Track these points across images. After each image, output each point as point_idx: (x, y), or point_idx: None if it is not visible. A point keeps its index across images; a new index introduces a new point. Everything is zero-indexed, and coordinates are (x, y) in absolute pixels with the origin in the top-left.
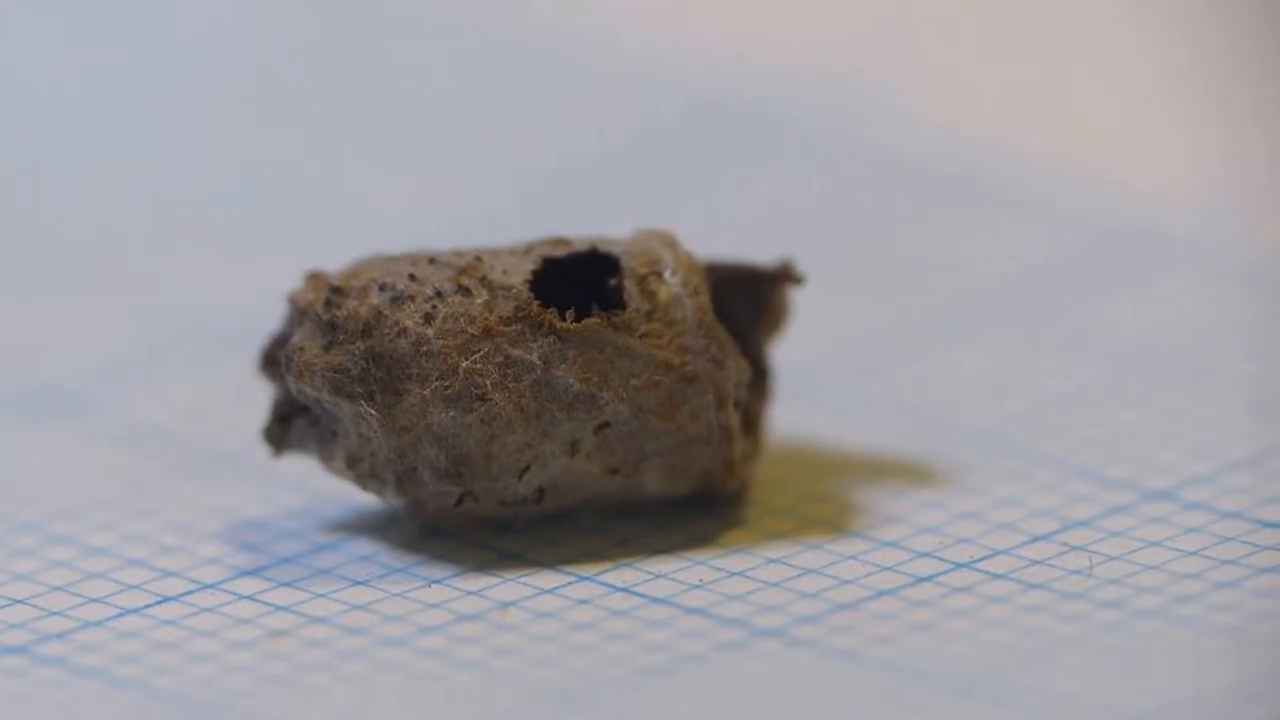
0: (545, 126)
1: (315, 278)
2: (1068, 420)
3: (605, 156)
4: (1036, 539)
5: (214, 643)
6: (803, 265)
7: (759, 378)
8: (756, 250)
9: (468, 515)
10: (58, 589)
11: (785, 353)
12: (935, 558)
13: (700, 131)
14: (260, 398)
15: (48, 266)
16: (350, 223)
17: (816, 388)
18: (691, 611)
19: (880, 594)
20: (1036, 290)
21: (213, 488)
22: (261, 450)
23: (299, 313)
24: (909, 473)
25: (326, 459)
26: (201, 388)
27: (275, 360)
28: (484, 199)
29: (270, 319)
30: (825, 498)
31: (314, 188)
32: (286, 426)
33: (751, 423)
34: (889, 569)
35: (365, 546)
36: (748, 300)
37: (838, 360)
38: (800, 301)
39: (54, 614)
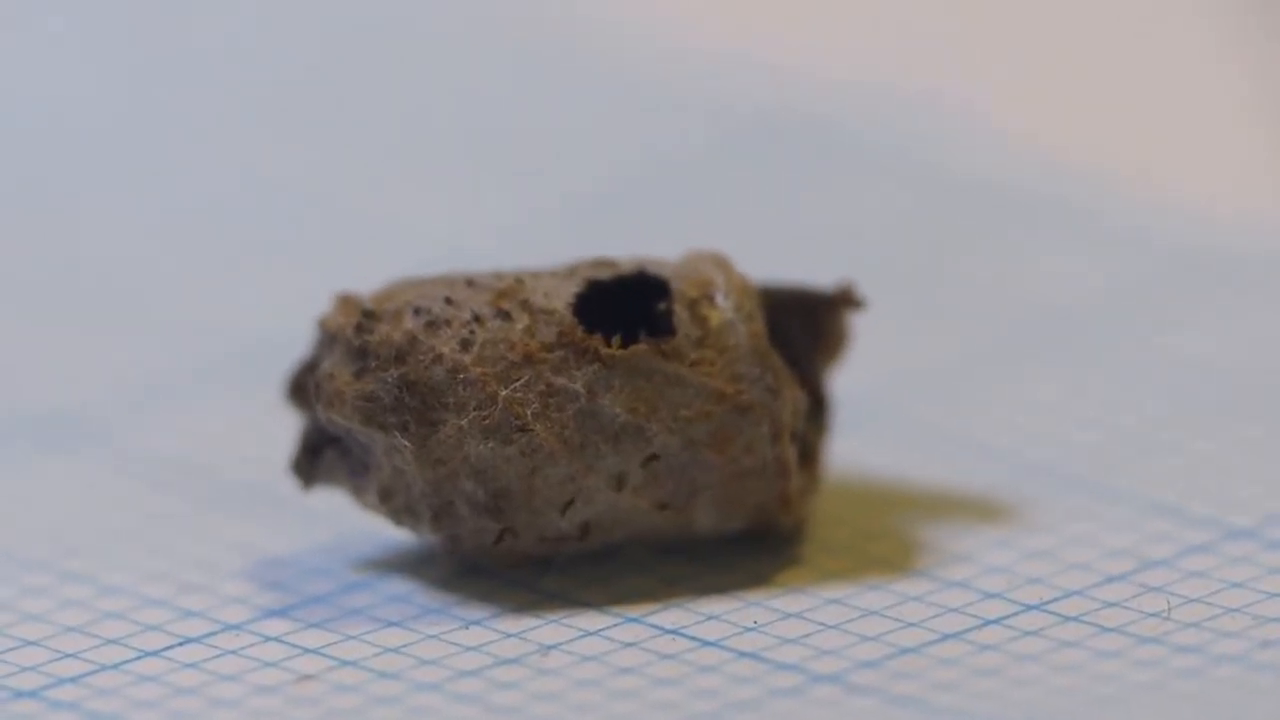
0: (591, 139)
1: (346, 301)
2: (1142, 453)
3: (655, 171)
4: (1111, 580)
5: (237, 687)
6: (863, 288)
7: (817, 408)
8: (814, 272)
9: (508, 552)
10: (72, 630)
11: (845, 380)
12: (1004, 599)
13: (756, 146)
14: (287, 426)
15: (64, 290)
16: (384, 241)
17: (877, 417)
18: (744, 655)
19: (945, 637)
20: (1108, 315)
21: (237, 522)
22: (289, 482)
23: (329, 338)
24: (976, 508)
25: (358, 493)
26: (225, 416)
27: (304, 388)
28: (526, 215)
29: (298, 343)
30: (887, 534)
31: (345, 205)
32: (316, 458)
33: (809, 455)
34: (955, 610)
35: (399, 585)
36: (805, 325)
37: (899, 389)
38: (860, 326)
39: (68, 656)
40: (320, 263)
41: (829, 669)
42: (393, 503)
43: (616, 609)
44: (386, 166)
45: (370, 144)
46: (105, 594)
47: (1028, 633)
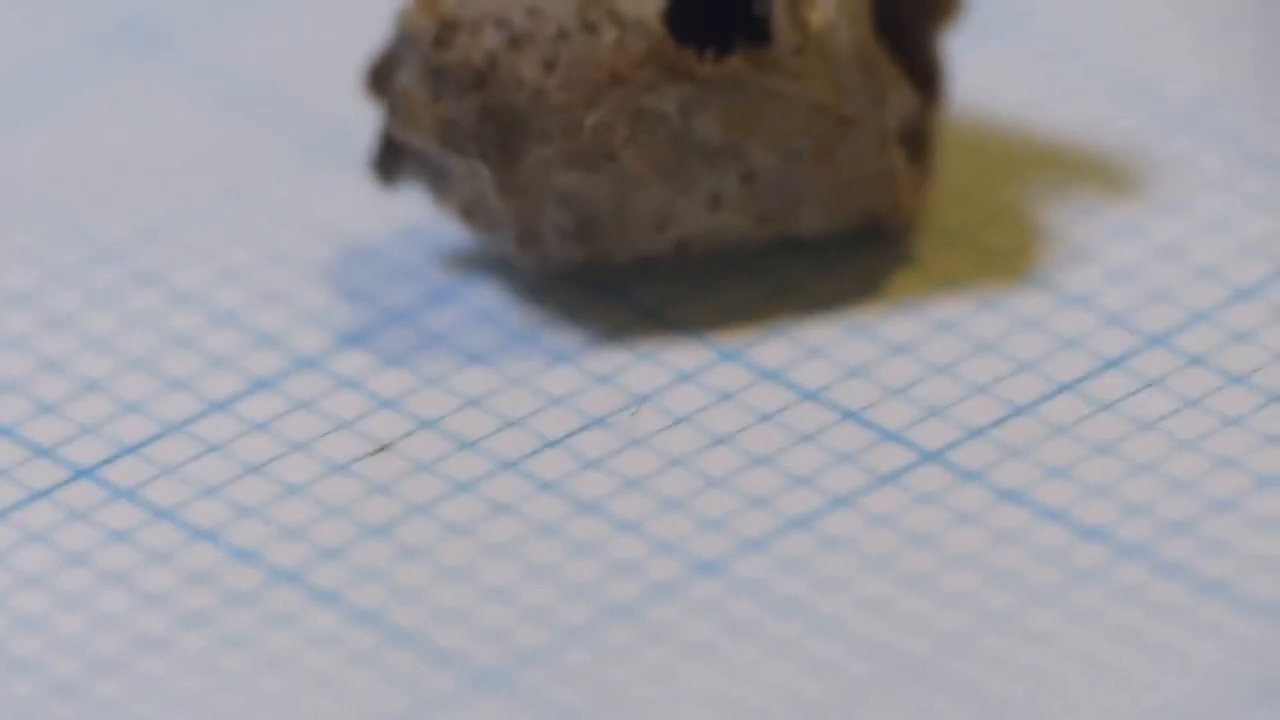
0: None
1: None
2: None
3: None
4: (1249, 294)
5: (308, 464)
6: None
7: (930, 77)
8: None
9: (599, 266)
10: (138, 365)
11: None
12: (1126, 328)
13: None
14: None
15: None
16: None
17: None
18: (847, 417)
19: (1063, 390)
20: None
21: (323, 188)
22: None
23: (407, 38)
24: (1105, 175)
25: (439, 199)
26: (306, 29)
27: (383, 79)
28: None
29: None
30: (1006, 218)
31: None
32: (396, 158)
33: (921, 145)
34: (1073, 343)
35: (486, 294)
36: None
37: None
38: None
39: (131, 410)
40: None
41: (935, 441)
42: (475, 219)
43: (714, 336)
44: None
45: None
46: (177, 305)
47: (1150, 384)
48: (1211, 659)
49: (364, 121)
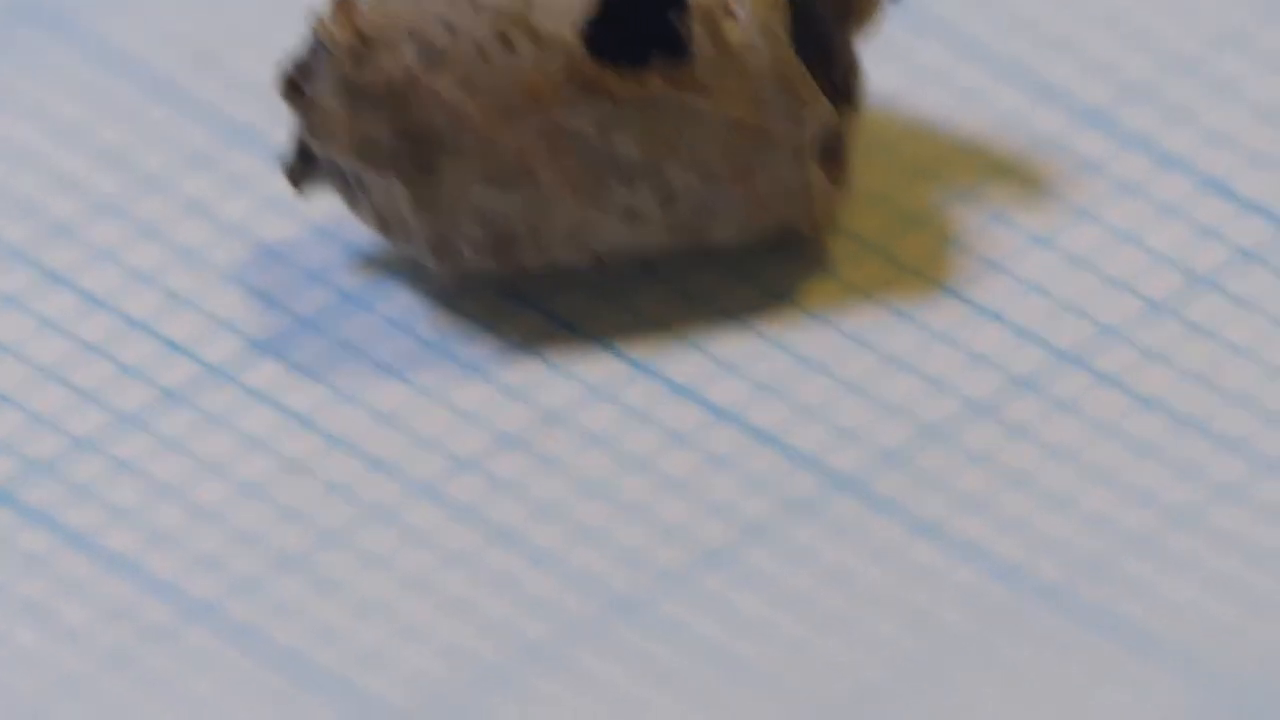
0: None
1: (344, 5)
2: (1209, 94)
3: None
4: (1161, 308)
5: (220, 488)
6: None
7: (846, 78)
8: None
9: (515, 275)
10: (50, 374)
11: None
12: (1040, 342)
13: None
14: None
15: None
16: None
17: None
18: (762, 441)
19: (976, 412)
20: None
21: (233, 183)
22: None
23: (323, 49)
24: (1018, 179)
25: (353, 206)
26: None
27: (297, 87)
28: None
29: None
30: (920, 224)
31: None
32: (310, 164)
33: (837, 152)
34: (986, 360)
35: (398, 300)
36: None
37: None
38: None
39: (41, 423)
40: None
41: (849, 466)
42: (390, 230)
43: (629, 349)
44: None
45: None
46: (88, 310)
47: (1062, 405)
48: (1129, 709)
49: (276, 114)
